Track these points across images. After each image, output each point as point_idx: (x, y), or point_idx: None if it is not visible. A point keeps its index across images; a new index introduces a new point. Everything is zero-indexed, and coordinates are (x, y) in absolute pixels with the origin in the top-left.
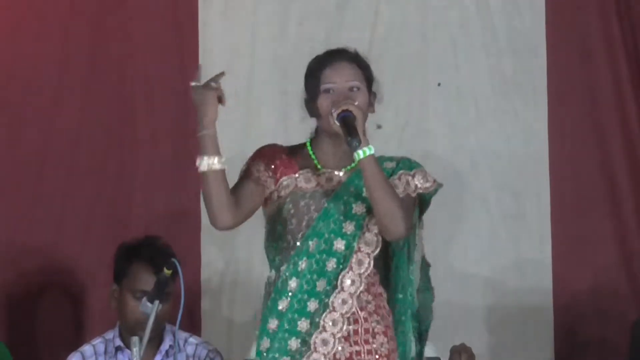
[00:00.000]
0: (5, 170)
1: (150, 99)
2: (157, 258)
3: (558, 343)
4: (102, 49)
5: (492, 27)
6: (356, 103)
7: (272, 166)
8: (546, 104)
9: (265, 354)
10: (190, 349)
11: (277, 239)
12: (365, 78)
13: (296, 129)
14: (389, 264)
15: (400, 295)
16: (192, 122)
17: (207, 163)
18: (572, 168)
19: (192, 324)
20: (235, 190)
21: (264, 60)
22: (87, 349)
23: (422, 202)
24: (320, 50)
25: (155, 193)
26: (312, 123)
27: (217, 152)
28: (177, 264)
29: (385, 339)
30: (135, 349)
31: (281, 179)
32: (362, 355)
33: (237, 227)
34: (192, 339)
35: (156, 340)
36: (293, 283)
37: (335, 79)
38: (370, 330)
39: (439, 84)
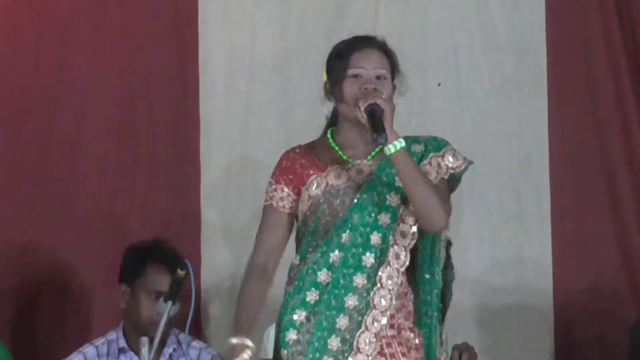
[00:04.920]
0: (5, 170)
1: (150, 99)
2: (170, 259)
3: (558, 343)
4: (102, 49)
5: (492, 26)
6: (384, 96)
7: (289, 184)
8: (546, 104)
9: (292, 346)
10: (193, 354)
11: (313, 232)
12: (391, 68)
13: (296, 129)
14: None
15: (427, 275)
16: (192, 122)
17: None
18: (572, 168)
19: (192, 324)
20: (271, 236)
21: (264, 60)
22: (89, 350)
23: (452, 180)
24: (320, 50)
25: (155, 193)
26: (314, 120)
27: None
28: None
29: (412, 335)
30: (144, 349)
31: (310, 179)
32: (394, 346)
33: (236, 227)
34: (195, 343)
35: (160, 343)
36: (323, 275)
37: (365, 64)
38: (396, 325)
39: (439, 84)
